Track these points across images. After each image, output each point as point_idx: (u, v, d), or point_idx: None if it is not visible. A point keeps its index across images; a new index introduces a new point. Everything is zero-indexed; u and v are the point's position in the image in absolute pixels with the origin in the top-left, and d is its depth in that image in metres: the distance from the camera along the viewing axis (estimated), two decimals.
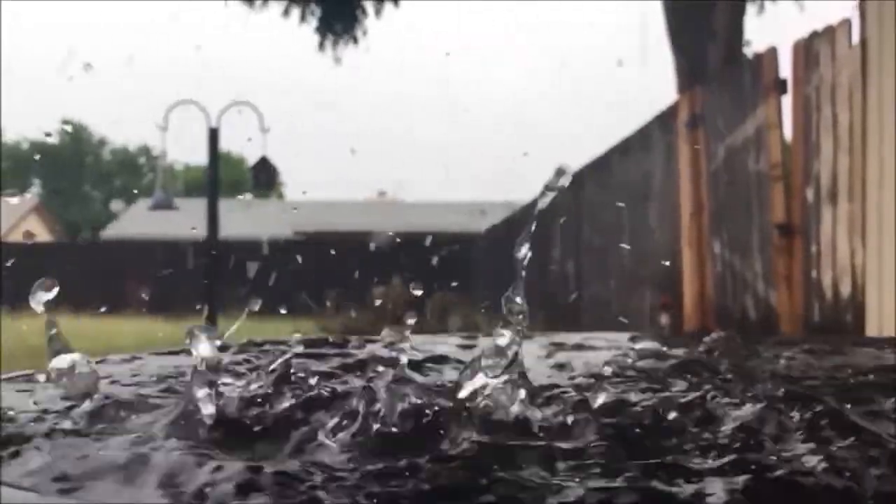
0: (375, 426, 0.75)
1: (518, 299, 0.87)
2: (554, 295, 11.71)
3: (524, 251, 0.86)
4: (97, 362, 1.14)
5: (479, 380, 0.82)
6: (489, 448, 0.72)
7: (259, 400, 0.83)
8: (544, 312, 12.25)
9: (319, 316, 12.58)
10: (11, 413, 0.85)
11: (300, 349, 1.12)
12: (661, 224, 7.55)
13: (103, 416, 0.85)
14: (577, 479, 0.66)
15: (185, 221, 19.46)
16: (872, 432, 0.76)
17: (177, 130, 14.42)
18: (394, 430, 0.75)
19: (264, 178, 14.10)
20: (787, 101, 5.31)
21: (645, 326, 7.45)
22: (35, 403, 0.90)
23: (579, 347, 1.35)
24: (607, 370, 1.04)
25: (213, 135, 12.88)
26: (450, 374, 1.04)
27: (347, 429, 0.76)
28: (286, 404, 0.82)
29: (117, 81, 71.04)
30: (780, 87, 5.36)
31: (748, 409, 0.80)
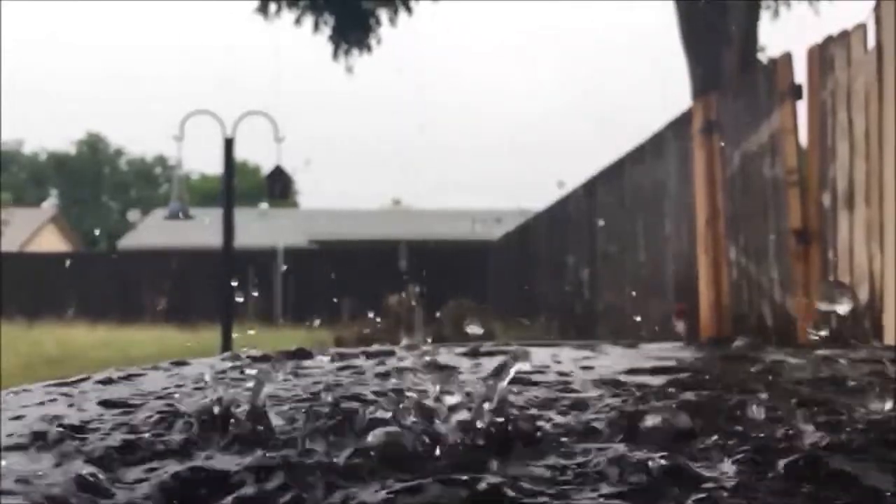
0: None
1: None
2: (569, 303, 11.68)
3: None
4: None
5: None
6: None
7: None
8: (559, 320, 12.23)
9: (334, 325, 12.60)
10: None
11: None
12: (676, 231, 7.53)
13: None
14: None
15: (201, 231, 19.56)
16: None
17: (192, 140, 14.49)
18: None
19: (279, 187, 14.15)
20: (802, 107, 5.28)
21: (663, 334, 7.42)
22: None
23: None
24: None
25: (229, 144, 12.94)
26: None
27: None
28: None
29: (133, 93, 71.58)
30: (796, 92, 5.33)
31: None
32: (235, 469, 0.67)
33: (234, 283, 12.32)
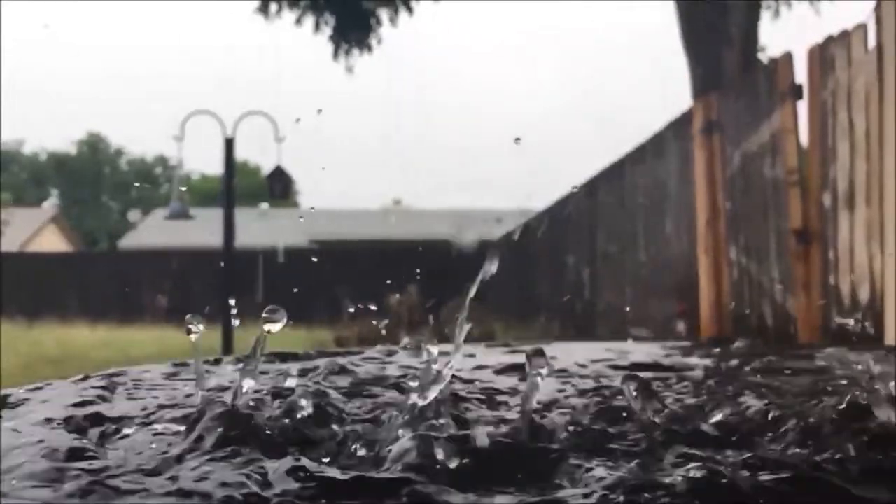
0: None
1: None
2: (569, 303, 11.67)
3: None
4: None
5: None
6: None
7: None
8: (559, 321, 12.23)
9: (335, 324, 12.60)
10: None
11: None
12: (677, 231, 7.52)
13: None
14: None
15: (201, 231, 19.55)
16: None
17: (193, 141, 14.48)
18: None
19: (280, 187, 14.14)
20: (802, 107, 5.28)
21: (663, 334, 7.42)
22: None
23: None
24: None
25: (229, 144, 12.93)
26: None
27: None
28: None
29: (133, 93, 71.57)
30: (796, 92, 5.33)
31: None
32: (260, 475, 0.66)
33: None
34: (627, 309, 9.03)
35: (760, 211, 5.81)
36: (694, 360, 1.24)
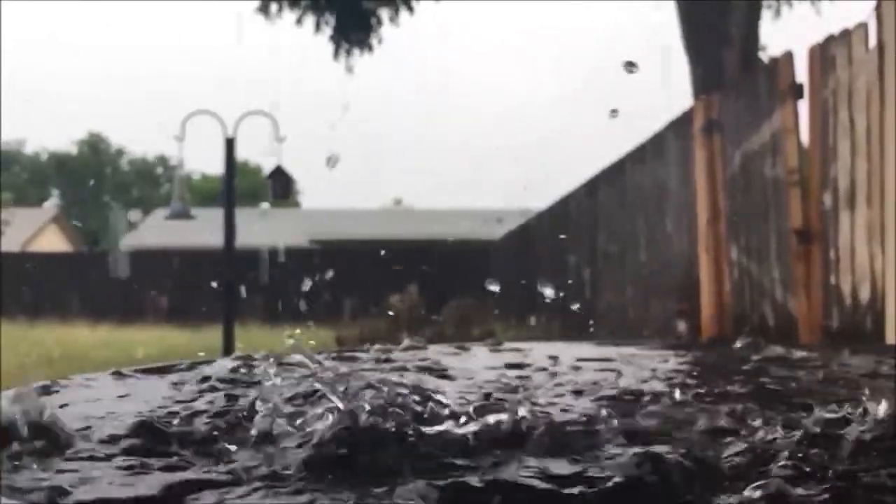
0: None
1: None
2: (570, 303, 11.67)
3: None
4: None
5: None
6: None
7: None
8: (560, 320, 12.22)
9: (336, 324, 12.60)
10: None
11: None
12: (677, 231, 7.52)
13: None
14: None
15: (202, 231, 19.55)
16: None
17: (193, 140, 14.47)
18: None
19: (280, 187, 14.13)
20: (803, 106, 5.28)
21: (664, 333, 7.42)
22: None
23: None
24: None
25: (230, 144, 12.92)
26: None
27: None
28: None
29: (134, 93, 71.54)
30: (797, 91, 5.33)
31: None
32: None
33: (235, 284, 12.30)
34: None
35: (761, 211, 5.80)
36: (692, 360, 1.24)
